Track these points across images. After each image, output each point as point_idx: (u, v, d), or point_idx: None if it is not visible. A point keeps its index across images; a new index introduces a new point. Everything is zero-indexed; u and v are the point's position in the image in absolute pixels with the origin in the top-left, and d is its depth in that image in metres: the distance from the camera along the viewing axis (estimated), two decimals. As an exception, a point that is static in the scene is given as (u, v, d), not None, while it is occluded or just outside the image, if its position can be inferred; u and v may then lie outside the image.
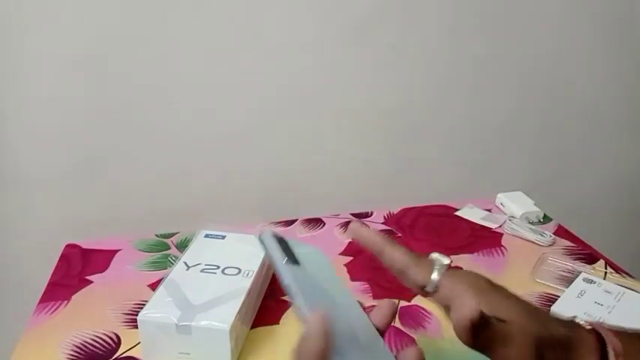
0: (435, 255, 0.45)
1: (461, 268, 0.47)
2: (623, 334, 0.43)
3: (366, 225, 0.50)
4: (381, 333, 0.41)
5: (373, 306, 0.43)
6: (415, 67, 1.04)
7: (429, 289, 0.43)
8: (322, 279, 0.45)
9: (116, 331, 0.70)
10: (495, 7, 1.03)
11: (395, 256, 0.47)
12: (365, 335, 0.42)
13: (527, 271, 0.83)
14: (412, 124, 1.09)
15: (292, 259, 0.45)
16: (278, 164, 1.05)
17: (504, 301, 0.42)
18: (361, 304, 0.45)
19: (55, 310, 0.75)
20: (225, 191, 1.04)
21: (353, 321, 0.43)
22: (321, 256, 0.49)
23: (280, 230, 0.97)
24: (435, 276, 0.43)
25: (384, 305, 0.42)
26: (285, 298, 0.76)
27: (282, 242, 0.47)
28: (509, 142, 1.16)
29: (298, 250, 0.48)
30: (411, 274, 0.45)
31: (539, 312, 0.43)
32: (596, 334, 0.43)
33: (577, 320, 0.45)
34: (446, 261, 0.44)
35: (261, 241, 0.48)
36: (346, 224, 0.99)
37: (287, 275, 0.42)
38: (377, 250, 0.48)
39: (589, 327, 0.44)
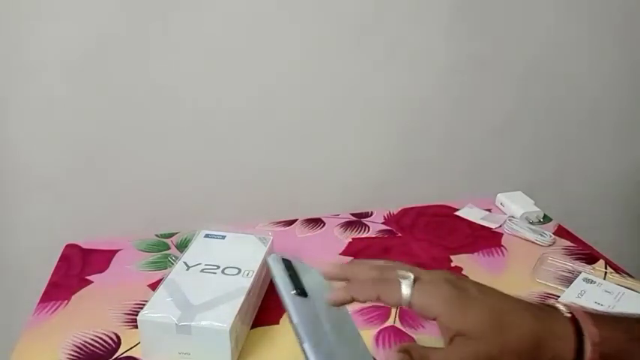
0: (399, 272, 0.45)
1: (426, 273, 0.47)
2: (601, 321, 0.43)
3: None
4: None
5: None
6: (415, 67, 1.04)
7: (403, 304, 0.43)
8: (327, 310, 0.47)
9: (116, 331, 0.70)
10: (495, 8, 1.03)
11: (358, 272, 0.48)
12: None
13: (527, 271, 0.83)
14: (412, 124, 1.09)
15: (301, 289, 0.47)
16: (278, 164, 1.05)
17: (470, 310, 0.42)
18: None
19: (55, 310, 0.75)
20: (226, 191, 1.04)
21: (356, 356, 0.44)
22: (323, 280, 0.50)
23: (280, 230, 0.97)
24: (405, 291, 0.43)
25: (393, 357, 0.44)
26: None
27: (289, 268, 0.49)
28: (509, 142, 1.16)
29: (305, 277, 0.49)
30: (381, 293, 0.44)
31: (509, 312, 0.43)
32: (574, 324, 0.42)
33: (557, 305, 0.44)
34: (410, 276, 0.44)
35: (269, 267, 0.49)
36: (346, 224, 0.99)
37: (295, 314, 0.44)
38: (345, 278, 0.49)
39: (568, 314, 0.43)
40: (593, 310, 0.45)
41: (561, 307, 0.44)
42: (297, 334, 0.42)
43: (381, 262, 0.50)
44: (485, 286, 0.46)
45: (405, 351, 0.41)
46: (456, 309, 0.42)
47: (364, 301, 0.45)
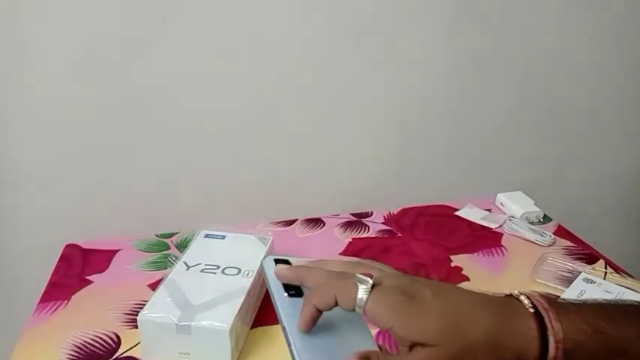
0: (358, 276, 0.42)
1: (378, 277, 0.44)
2: (565, 313, 0.41)
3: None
4: None
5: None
6: (415, 67, 1.04)
7: (357, 310, 0.41)
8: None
9: (116, 331, 0.70)
10: (495, 8, 1.03)
11: (313, 277, 0.45)
12: None
13: (527, 271, 0.83)
14: (412, 124, 1.09)
15: (296, 289, 0.46)
16: (278, 164, 1.05)
17: (420, 320, 0.40)
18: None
19: (55, 310, 0.75)
20: (225, 191, 1.04)
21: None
22: None
23: (280, 231, 0.97)
24: (360, 295, 0.41)
25: None
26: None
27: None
28: (510, 141, 1.16)
29: None
30: (338, 295, 0.42)
31: (465, 314, 0.41)
32: (537, 320, 0.41)
33: (521, 299, 0.43)
34: (368, 281, 0.41)
35: (262, 270, 0.48)
36: (346, 224, 0.99)
37: (283, 317, 0.43)
38: (299, 282, 0.46)
39: (531, 308, 0.42)
40: (557, 297, 0.43)
41: (525, 301, 0.42)
42: (285, 337, 0.42)
43: (343, 263, 0.47)
44: (444, 286, 0.44)
45: (366, 358, 0.40)
46: (405, 320, 0.40)
47: (325, 308, 0.42)
